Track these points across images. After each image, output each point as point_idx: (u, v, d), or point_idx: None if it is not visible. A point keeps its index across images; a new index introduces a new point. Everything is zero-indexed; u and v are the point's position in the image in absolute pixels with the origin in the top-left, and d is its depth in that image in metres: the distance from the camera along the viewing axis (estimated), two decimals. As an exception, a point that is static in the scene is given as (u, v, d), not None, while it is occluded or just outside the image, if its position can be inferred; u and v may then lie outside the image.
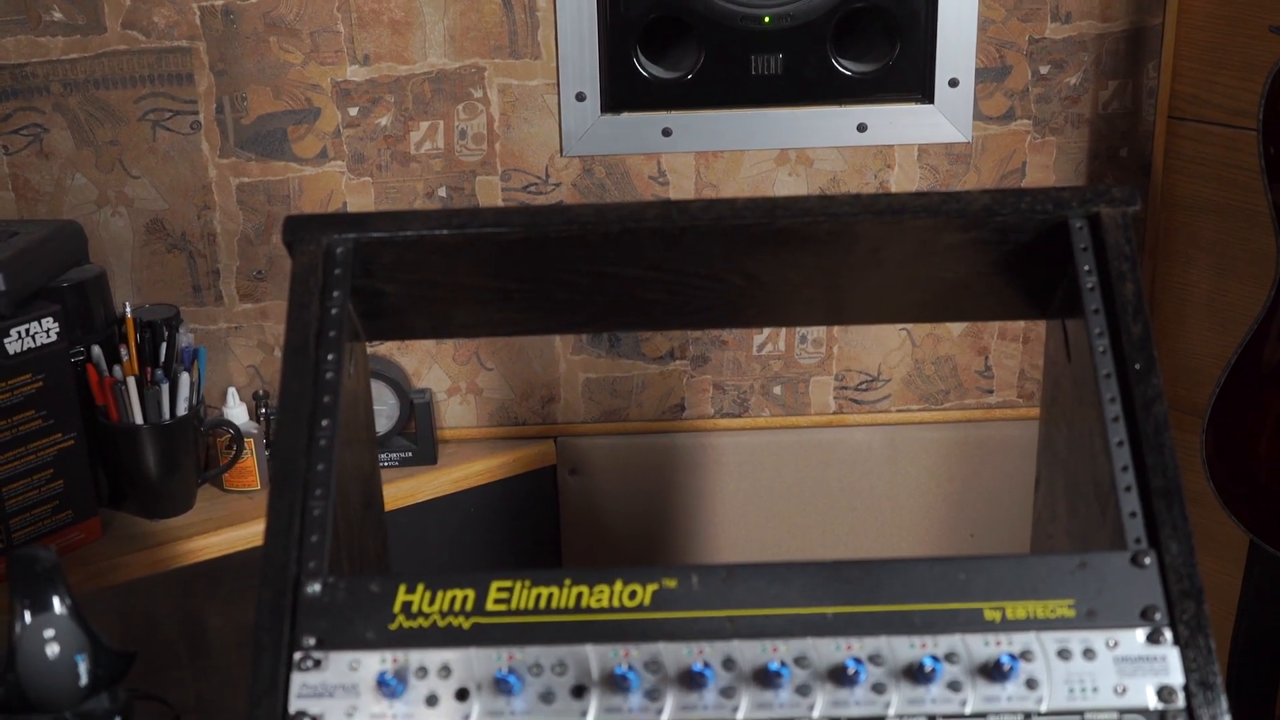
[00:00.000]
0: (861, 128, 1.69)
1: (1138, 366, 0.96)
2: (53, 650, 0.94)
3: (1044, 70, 1.71)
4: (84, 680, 0.95)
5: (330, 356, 1.00)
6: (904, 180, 1.73)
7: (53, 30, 1.61)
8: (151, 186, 1.68)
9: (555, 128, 1.69)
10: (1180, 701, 0.86)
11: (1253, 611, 1.74)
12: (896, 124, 1.70)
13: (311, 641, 0.89)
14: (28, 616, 0.94)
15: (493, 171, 1.71)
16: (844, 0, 1.62)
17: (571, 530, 1.87)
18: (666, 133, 1.69)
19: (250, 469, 1.69)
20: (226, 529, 1.62)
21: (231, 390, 1.72)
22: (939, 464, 1.85)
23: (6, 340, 1.46)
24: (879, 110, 1.69)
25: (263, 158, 1.68)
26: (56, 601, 0.95)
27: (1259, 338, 1.55)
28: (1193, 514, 0.92)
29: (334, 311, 1.02)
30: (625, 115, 1.69)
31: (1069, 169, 1.76)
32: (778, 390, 1.83)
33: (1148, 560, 0.90)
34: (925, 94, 1.69)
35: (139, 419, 1.59)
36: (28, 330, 1.48)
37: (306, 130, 1.67)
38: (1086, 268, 1.01)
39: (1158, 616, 0.88)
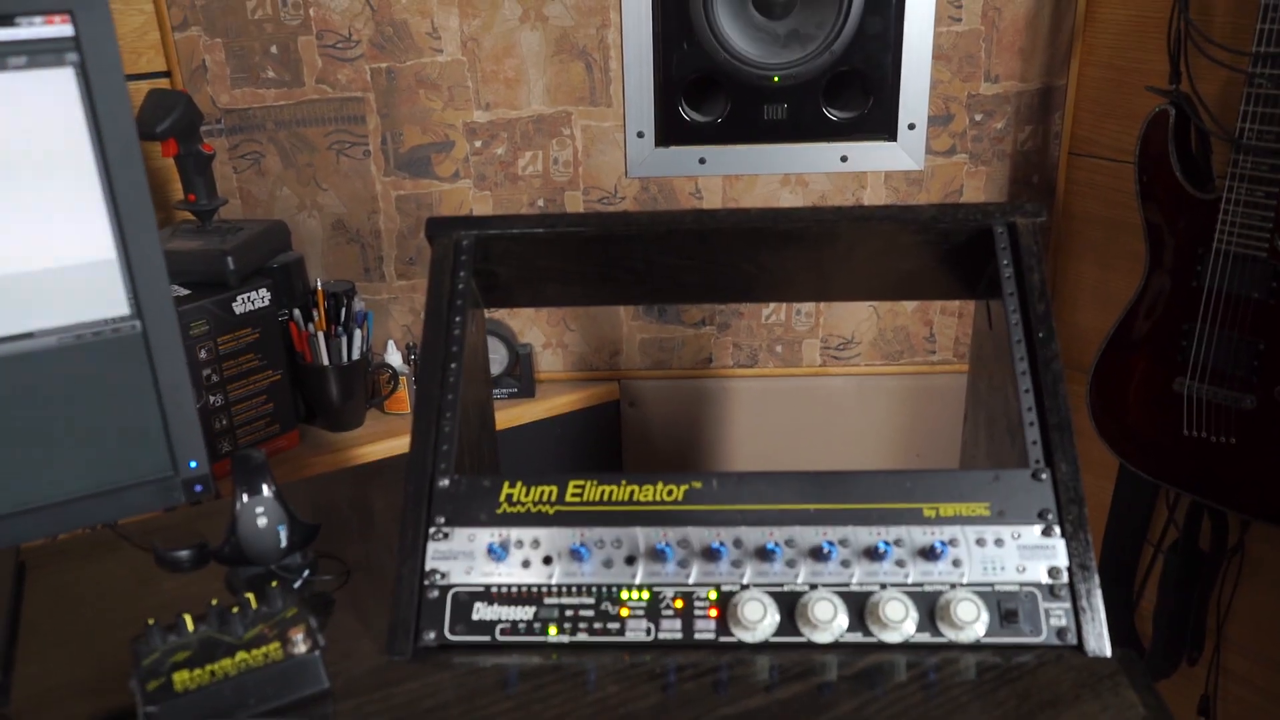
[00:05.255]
0: (844, 158, 1.66)
1: (1040, 335, 0.94)
2: (262, 521, 0.95)
3: (978, 118, 1.66)
4: (284, 543, 0.96)
5: (458, 319, 1.00)
6: (874, 198, 1.69)
7: (267, 85, 1.61)
8: (335, 196, 1.69)
9: (621, 157, 1.67)
10: (1065, 578, 0.85)
11: (1118, 514, 1.71)
12: (869, 156, 1.67)
13: (442, 520, 0.90)
14: (245, 498, 0.95)
15: (577, 188, 1.69)
16: (833, 65, 1.59)
17: (629, 446, 1.87)
18: (702, 161, 1.67)
19: (403, 398, 1.70)
20: (386, 440, 1.64)
21: (390, 342, 1.73)
22: (895, 404, 1.83)
23: (234, 304, 1.48)
24: (857, 146, 1.66)
25: (413, 177, 1.68)
26: (265, 487, 0.96)
27: (1130, 316, 1.52)
28: (1077, 444, 0.90)
29: (460, 286, 1.02)
30: (672, 148, 1.67)
31: (995, 190, 1.72)
32: (779, 349, 1.81)
33: (1044, 476, 0.88)
34: (891, 134, 1.65)
35: (326, 361, 1.60)
36: (248, 297, 1.50)
37: (444, 157, 1.67)
38: (1005, 262, 0.99)
39: (1050, 517, 0.87)
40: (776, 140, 1.65)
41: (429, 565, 0.88)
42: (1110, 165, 1.65)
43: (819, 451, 1.84)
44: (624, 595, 0.86)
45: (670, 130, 1.65)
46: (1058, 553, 0.85)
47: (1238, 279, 1.35)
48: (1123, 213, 1.65)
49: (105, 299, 0.84)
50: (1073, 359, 1.76)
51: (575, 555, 0.87)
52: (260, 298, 1.51)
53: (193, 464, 0.90)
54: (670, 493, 0.89)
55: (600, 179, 1.69)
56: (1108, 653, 0.82)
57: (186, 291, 1.46)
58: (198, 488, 0.91)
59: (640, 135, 1.65)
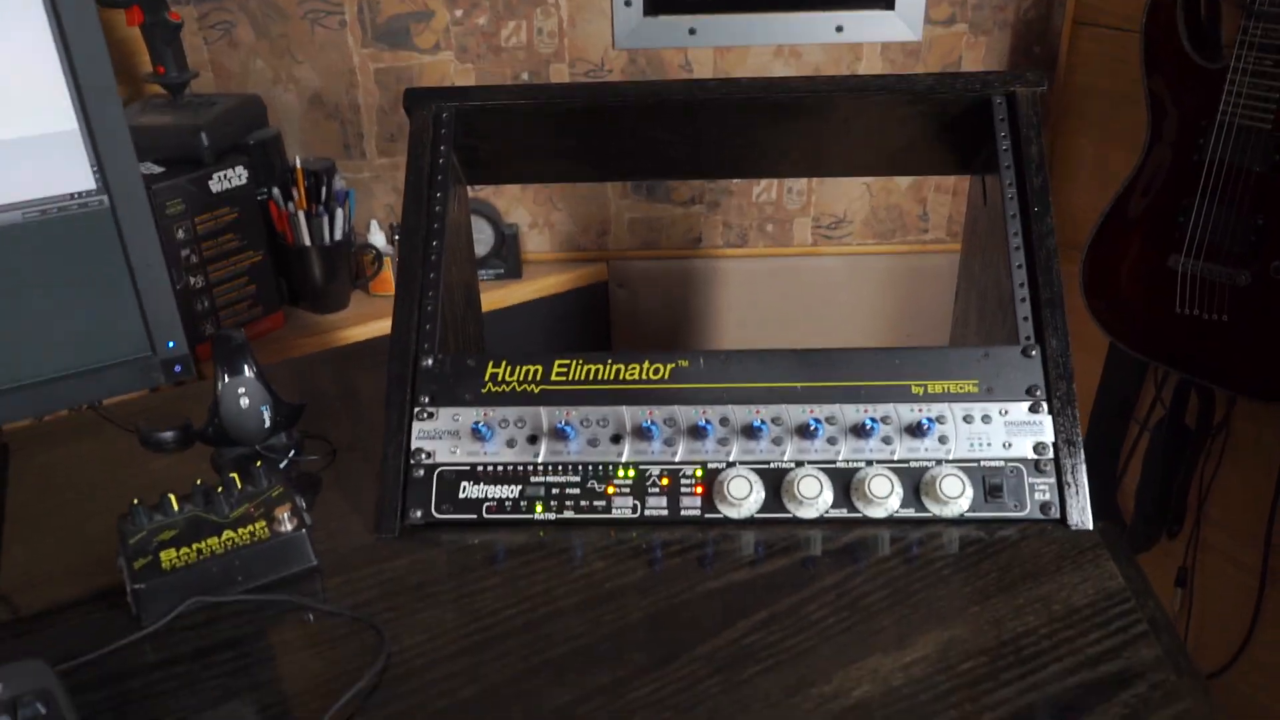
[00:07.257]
0: (839, 29, 1.61)
1: (1036, 209, 0.92)
2: (244, 402, 0.94)
3: (980, -16, 1.60)
4: (267, 424, 0.96)
5: (438, 195, 0.98)
6: (869, 69, 1.64)
7: (234, -52, 1.54)
8: (311, 69, 1.63)
9: (609, 27, 1.61)
10: (1050, 454, 0.85)
11: (1106, 391, 1.72)
12: (865, 26, 1.61)
13: (426, 400, 0.89)
14: (226, 378, 0.94)
15: (562, 60, 1.64)
16: (829, -72, 1.52)
17: (618, 327, 1.86)
18: (692, 32, 1.61)
19: (387, 279, 1.69)
20: (371, 321, 1.64)
21: (373, 221, 1.70)
22: (886, 284, 1.82)
23: (210, 182, 1.44)
24: (852, 15, 1.60)
25: (392, 49, 1.62)
26: (246, 367, 0.95)
27: (1128, 192, 1.49)
28: (1069, 322, 0.89)
29: (441, 161, 0.99)
30: (661, 18, 1.61)
31: (994, 62, 1.67)
32: (770, 228, 1.78)
33: (1034, 352, 0.88)
34: (888, 3, 1.59)
35: (308, 241, 1.58)
36: (225, 175, 1.46)
37: (424, 28, 1.60)
38: (1003, 134, 0.96)
39: (1038, 393, 0.86)
40: (769, 9, 1.59)
41: (414, 445, 0.87)
42: (1116, 35, 1.60)
43: (809, 332, 1.83)
44: (610, 473, 0.86)
45: (659, -2, 1.59)
46: (1044, 428, 0.85)
47: (1240, 151, 1.32)
48: (1127, 85, 1.60)
49: (69, 172, 0.81)
50: (1067, 237, 1.74)
51: (561, 434, 0.86)
52: (237, 176, 1.47)
53: (170, 344, 0.88)
54: (656, 371, 0.89)
55: (587, 51, 1.63)
56: (1090, 526, 0.83)
57: (160, 169, 1.42)
58: (177, 368, 0.90)
59: (628, 4, 1.59)
